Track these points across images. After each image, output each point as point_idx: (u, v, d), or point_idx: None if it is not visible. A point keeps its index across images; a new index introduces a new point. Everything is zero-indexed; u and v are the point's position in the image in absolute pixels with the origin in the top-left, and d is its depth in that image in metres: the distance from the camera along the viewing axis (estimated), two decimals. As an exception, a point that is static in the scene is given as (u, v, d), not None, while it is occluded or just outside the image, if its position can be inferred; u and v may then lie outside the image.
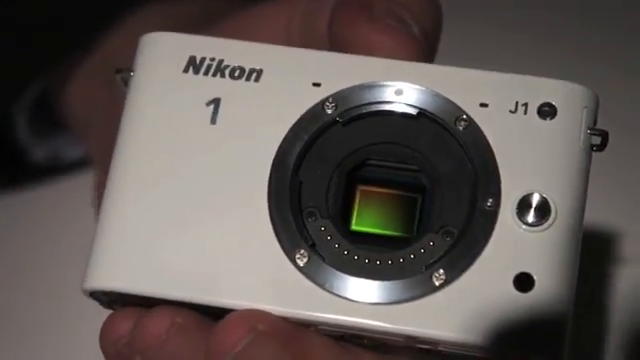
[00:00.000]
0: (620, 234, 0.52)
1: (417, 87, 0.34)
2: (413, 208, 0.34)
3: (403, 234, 0.33)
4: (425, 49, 0.35)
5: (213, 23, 0.43)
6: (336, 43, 0.36)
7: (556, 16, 0.63)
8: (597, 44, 0.61)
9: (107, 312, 0.35)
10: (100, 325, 0.34)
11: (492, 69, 0.34)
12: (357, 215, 0.34)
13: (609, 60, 0.60)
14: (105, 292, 0.33)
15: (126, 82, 0.35)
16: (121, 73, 0.35)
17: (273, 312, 0.32)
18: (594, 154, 0.33)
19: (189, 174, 0.34)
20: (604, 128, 0.33)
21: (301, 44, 0.37)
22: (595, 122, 0.33)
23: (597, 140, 0.33)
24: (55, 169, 0.56)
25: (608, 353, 0.50)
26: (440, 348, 0.32)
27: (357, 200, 0.34)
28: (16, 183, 0.56)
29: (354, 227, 0.34)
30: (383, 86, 0.34)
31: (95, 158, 0.53)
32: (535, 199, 0.32)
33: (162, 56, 0.35)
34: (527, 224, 0.32)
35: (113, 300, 0.34)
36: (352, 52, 0.35)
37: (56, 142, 0.55)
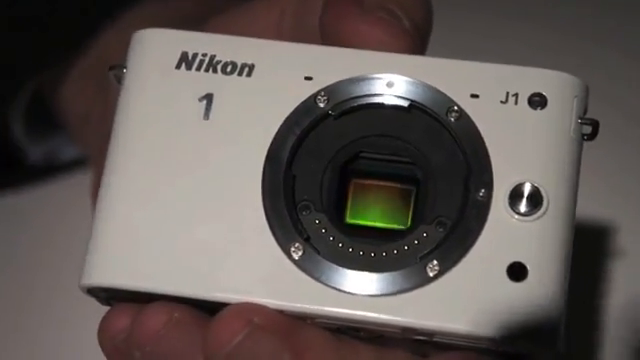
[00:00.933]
0: (614, 228, 0.52)
1: (408, 79, 0.34)
2: (407, 200, 0.34)
3: (397, 226, 0.34)
4: (417, 42, 0.35)
5: (206, 20, 0.43)
6: (328, 37, 0.36)
7: (547, 2, 0.62)
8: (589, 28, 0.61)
9: (105, 309, 0.35)
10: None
11: (486, 59, 0.34)
12: (351, 208, 0.34)
13: (608, 46, 0.59)
14: (103, 288, 0.34)
15: (119, 79, 0.35)
16: (114, 70, 0.36)
17: (269, 305, 0.32)
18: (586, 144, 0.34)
19: (183, 170, 0.34)
20: (595, 117, 0.33)
21: (293, 39, 0.37)
22: (585, 111, 0.34)
23: (588, 129, 0.33)
24: (53, 169, 0.56)
25: (603, 348, 0.50)
26: (436, 339, 0.32)
27: (351, 193, 0.34)
28: (14, 185, 0.56)
29: (348, 220, 0.34)
30: (374, 79, 0.34)
31: (91, 158, 0.53)
32: (527, 189, 0.32)
33: (154, 52, 0.35)
34: (519, 214, 0.32)
35: (111, 296, 0.34)
36: (344, 45, 0.35)
37: (53, 142, 0.55)
